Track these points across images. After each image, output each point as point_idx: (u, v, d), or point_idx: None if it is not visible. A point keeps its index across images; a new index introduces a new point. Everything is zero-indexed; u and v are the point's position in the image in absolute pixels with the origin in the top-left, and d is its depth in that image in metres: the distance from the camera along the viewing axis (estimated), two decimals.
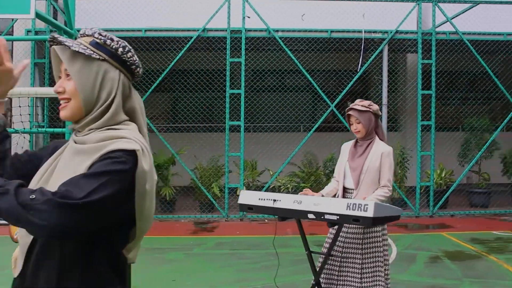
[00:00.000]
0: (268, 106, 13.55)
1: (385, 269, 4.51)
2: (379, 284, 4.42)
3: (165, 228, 10.53)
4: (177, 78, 12.32)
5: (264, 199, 4.29)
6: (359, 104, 4.52)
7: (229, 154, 11.26)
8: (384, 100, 11.48)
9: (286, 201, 4.16)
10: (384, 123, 11.46)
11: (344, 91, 11.28)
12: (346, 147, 4.73)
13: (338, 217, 3.86)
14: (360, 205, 3.75)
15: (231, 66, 11.33)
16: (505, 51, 12.44)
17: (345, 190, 4.62)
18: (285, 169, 12.24)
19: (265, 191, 11.26)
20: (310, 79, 11.24)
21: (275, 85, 14.08)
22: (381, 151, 4.47)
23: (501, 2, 11.72)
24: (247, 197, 4.42)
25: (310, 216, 4.00)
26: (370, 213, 3.69)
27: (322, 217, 3.95)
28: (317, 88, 11.28)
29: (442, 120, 14.44)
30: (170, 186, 11.84)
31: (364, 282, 4.42)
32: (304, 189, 4.60)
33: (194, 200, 12.04)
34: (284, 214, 4.23)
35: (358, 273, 4.42)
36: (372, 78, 14.05)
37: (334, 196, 4.69)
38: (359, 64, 11.31)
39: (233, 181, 11.52)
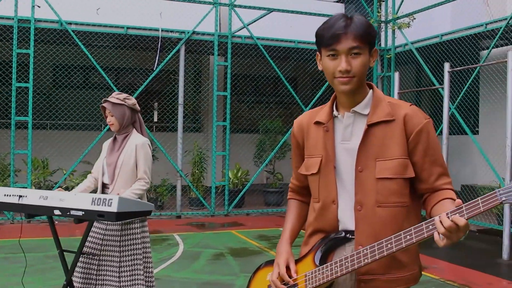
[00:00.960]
0: (63, 103, 12.91)
1: (145, 267, 4.43)
2: (138, 284, 4.31)
3: None
4: None
5: (9, 195, 3.98)
6: (115, 96, 4.40)
7: (15, 152, 10.53)
8: (180, 100, 11.50)
9: (32, 197, 3.89)
10: (180, 123, 11.49)
11: (140, 89, 11.10)
12: (106, 144, 4.61)
13: (83, 212, 3.68)
14: (104, 200, 3.61)
15: (21, 58, 10.61)
16: (296, 58, 13.15)
17: (104, 186, 4.48)
18: (81, 168, 11.77)
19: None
20: (105, 75, 10.90)
21: (74, 81, 13.49)
22: (135, 143, 4.39)
23: (293, 12, 12.35)
24: None
25: (56, 212, 3.78)
26: (114, 208, 3.56)
27: (68, 213, 3.74)
28: (112, 85, 10.99)
29: (239, 122, 14.91)
30: None
31: (122, 281, 4.29)
32: (57, 189, 4.36)
33: None
34: (30, 211, 3.96)
35: (116, 271, 4.29)
36: (173, 78, 14.04)
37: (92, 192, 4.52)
38: (156, 63, 11.21)
39: (22, 181, 10.81)
